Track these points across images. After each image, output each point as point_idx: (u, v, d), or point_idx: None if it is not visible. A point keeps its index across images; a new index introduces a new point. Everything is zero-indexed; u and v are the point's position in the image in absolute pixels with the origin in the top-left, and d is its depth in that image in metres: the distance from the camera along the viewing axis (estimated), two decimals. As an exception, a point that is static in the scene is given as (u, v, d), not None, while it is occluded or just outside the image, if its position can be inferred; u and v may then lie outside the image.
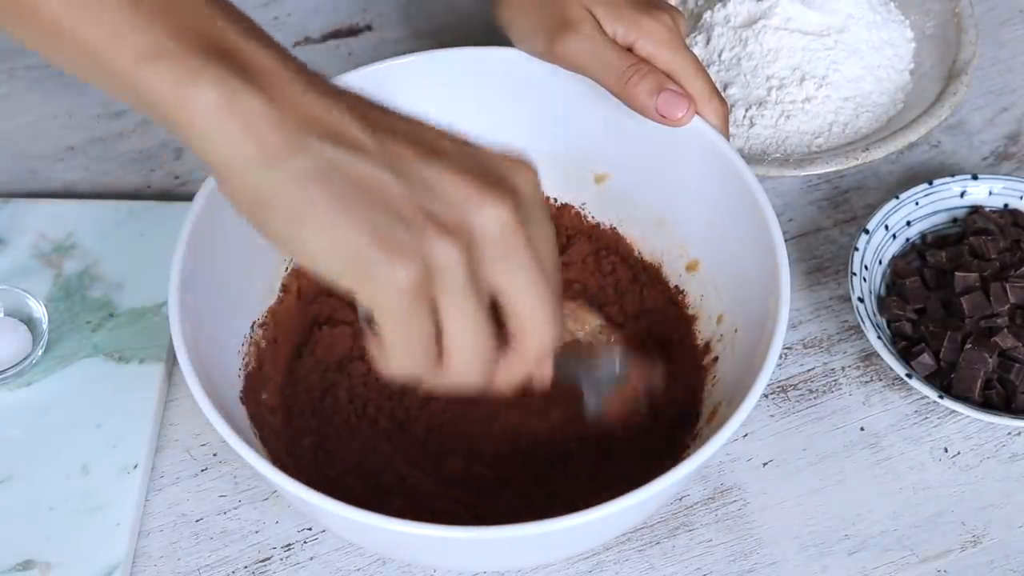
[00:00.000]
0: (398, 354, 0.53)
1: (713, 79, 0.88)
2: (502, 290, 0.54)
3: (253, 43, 0.52)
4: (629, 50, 0.72)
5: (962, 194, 0.85)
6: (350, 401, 0.74)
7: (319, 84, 0.53)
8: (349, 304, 0.76)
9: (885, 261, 0.82)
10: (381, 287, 0.51)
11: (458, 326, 0.53)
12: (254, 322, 0.74)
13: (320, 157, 0.51)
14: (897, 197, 0.83)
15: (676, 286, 0.78)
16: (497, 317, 0.55)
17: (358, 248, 0.51)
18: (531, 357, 0.56)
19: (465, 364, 0.54)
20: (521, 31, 0.75)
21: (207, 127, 0.51)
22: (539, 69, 0.75)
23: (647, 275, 0.79)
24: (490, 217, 0.53)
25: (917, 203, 0.84)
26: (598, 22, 0.73)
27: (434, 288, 0.52)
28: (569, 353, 0.67)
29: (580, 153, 0.79)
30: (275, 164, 0.51)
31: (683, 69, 0.72)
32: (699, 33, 0.90)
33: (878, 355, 0.77)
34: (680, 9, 0.78)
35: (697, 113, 0.72)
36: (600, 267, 0.80)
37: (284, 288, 0.76)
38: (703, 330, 0.76)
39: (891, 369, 0.77)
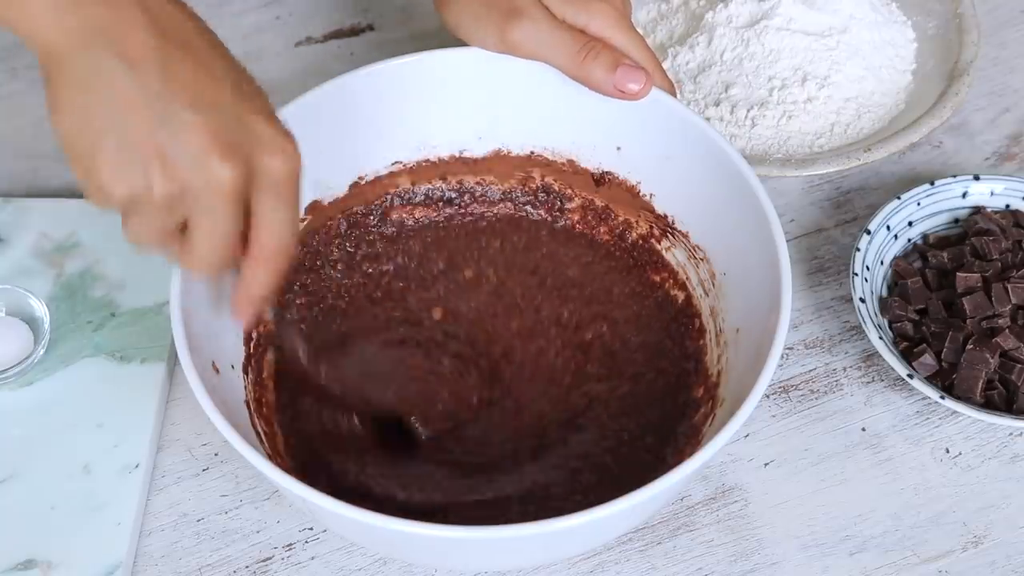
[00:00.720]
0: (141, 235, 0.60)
1: (715, 79, 0.88)
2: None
3: None
4: (580, 32, 0.73)
5: (964, 195, 0.84)
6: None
7: None
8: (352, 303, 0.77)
9: (887, 261, 0.82)
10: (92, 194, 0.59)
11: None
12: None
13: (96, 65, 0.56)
14: (899, 197, 0.83)
15: (677, 286, 0.78)
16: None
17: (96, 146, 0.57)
18: (267, 255, 0.60)
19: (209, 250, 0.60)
20: (470, 27, 0.75)
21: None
22: (538, 68, 0.75)
23: (648, 275, 0.79)
24: (212, 175, 0.57)
25: (919, 203, 0.84)
26: (546, 7, 0.73)
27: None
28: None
29: (581, 153, 0.79)
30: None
31: (634, 49, 0.73)
32: (701, 33, 0.90)
33: (879, 355, 0.77)
34: None
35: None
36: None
37: (285, 288, 0.76)
38: (704, 330, 0.76)
39: (893, 369, 0.77)
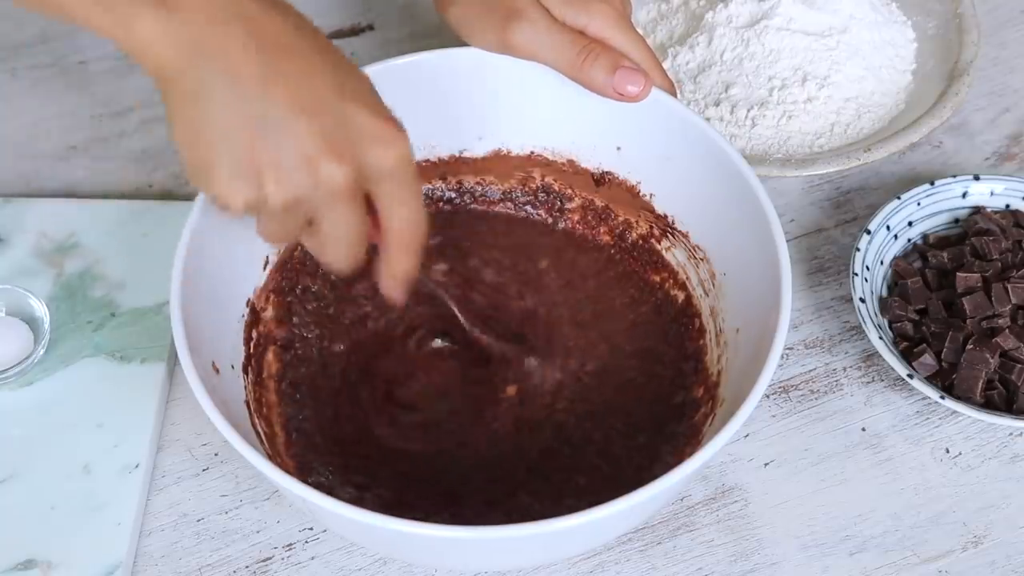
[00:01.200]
0: (277, 230, 0.62)
1: (715, 79, 0.88)
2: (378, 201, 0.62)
3: None
4: (580, 33, 0.73)
5: (964, 195, 0.84)
6: (352, 399, 0.74)
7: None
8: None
9: (887, 261, 0.82)
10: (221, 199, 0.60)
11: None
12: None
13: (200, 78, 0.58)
14: (899, 197, 0.83)
15: (677, 286, 0.78)
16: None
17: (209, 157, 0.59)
18: (402, 241, 0.63)
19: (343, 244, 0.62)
20: (471, 29, 0.75)
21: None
22: (538, 68, 0.75)
23: (648, 275, 0.79)
24: (322, 175, 0.59)
25: (919, 203, 0.84)
26: (546, 8, 0.73)
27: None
28: None
29: (581, 153, 0.79)
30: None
31: (634, 50, 0.73)
32: (701, 33, 0.90)
33: (879, 355, 0.77)
34: None
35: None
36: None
37: (286, 288, 0.76)
38: (704, 330, 0.76)
39: (893, 369, 0.77)
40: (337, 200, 0.59)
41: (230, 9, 0.58)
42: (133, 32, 0.57)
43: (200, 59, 0.57)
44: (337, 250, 0.62)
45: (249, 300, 0.73)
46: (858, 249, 0.80)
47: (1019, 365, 0.76)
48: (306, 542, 0.73)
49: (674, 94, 0.75)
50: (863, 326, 0.77)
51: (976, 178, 0.84)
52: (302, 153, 0.58)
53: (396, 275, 0.64)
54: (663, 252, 0.79)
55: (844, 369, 0.81)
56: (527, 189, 0.81)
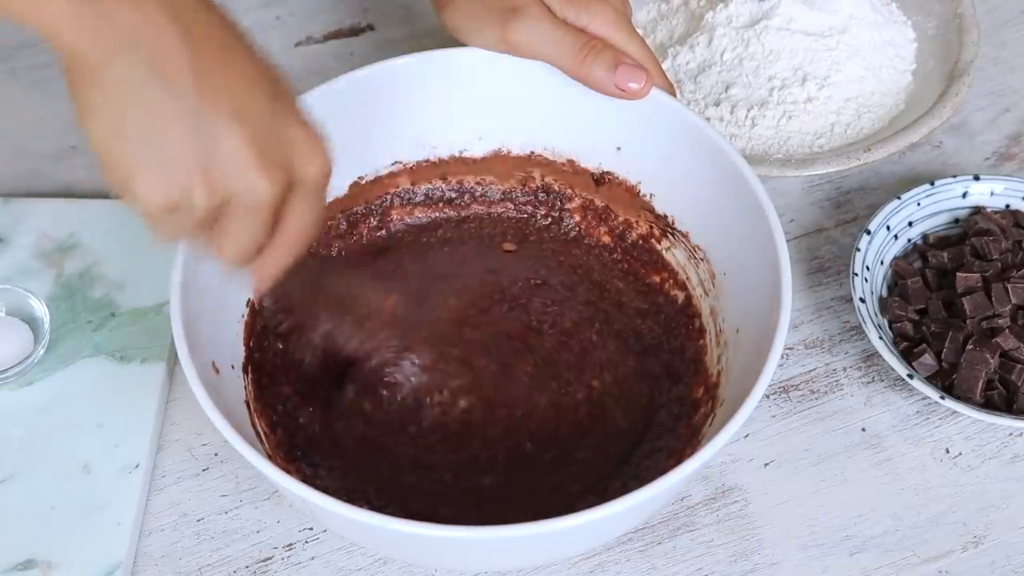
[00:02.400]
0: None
1: (715, 79, 0.88)
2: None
3: None
4: (581, 32, 0.73)
5: (964, 195, 0.84)
6: (353, 399, 0.74)
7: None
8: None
9: (887, 262, 0.82)
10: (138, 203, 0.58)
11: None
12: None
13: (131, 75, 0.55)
14: (899, 197, 0.83)
15: (677, 286, 0.78)
16: None
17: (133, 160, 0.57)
18: (291, 243, 0.61)
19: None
20: (470, 28, 0.75)
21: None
22: (538, 68, 0.75)
23: (648, 275, 0.79)
24: (253, 191, 0.57)
25: (919, 204, 0.84)
26: (547, 6, 0.73)
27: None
28: None
29: (581, 153, 0.79)
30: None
31: (634, 49, 0.73)
32: (701, 34, 0.90)
33: (879, 356, 0.77)
34: None
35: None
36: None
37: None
38: (704, 330, 0.76)
39: (893, 370, 0.77)
40: (261, 210, 0.58)
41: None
42: (47, 14, 0.55)
43: (126, 53, 0.55)
44: (238, 250, 0.60)
45: (249, 300, 0.73)
46: (858, 249, 0.80)
47: (1019, 365, 0.76)
48: (306, 542, 0.73)
49: (673, 94, 0.75)
50: (863, 326, 0.77)
51: (976, 178, 0.84)
52: (237, 160, 0.56)
53: (270, 266, 0.62)
54: (663, 252, 0.79)
55: (844, 369, 0.81)
56: (527, 189, 0.81)
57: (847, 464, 0.77)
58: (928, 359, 0.77)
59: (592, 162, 0.79)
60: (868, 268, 0.80)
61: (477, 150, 0.80)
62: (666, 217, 0.78)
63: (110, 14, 0.54)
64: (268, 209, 0.59)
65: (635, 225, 0.80)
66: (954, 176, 0.85)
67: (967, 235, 0.82)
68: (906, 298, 0.80)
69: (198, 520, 0.74)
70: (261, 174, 0.57)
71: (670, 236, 0.78)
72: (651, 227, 0.79)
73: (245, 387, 0.71)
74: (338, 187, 0.78)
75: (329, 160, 0.61)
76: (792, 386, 0.80)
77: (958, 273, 0.79)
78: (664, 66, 0.90)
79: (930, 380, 0.77)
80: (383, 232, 0.80)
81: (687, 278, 0.77)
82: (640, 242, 0.79)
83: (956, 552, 0.73)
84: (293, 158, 0.59)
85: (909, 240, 0.84)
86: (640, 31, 0.93)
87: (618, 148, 0.78)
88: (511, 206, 0.82)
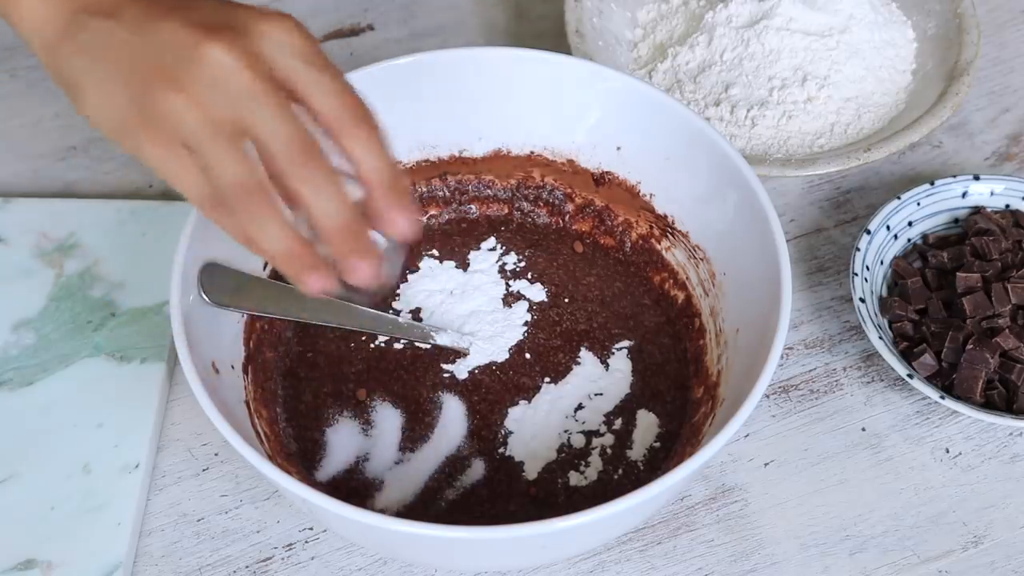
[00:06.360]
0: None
1: (715, 79, 0.88)
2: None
3: None
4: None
5: (964, 194, 0.84)
6: (353, 399, 0.74)
7: None
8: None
9: (887, 261, 0.82)
10: (144, 157, 0.55)
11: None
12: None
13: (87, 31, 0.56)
14: (899, 197, 0.83)
15: (677, 286, 0.78)
16: None
17: (124, 116, 0.55)
18: (351, 121, 0.57)
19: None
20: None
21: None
22: (539, 68, 0.75)
23: (648, 275, 0.79)
24: (210, 60, 0.54)
25: (919, 203, 0.84)
26: None
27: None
28: None
29: (581, 153, 0.79)
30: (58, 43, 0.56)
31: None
32: (701, 33, 0.90)
33: (879, 355, 0.77)
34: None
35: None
36: (601, 267, 0.80)
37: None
38: (704, 330, 0.76)
39: (892, 369, 0.77)
40: (243, 79, 0.53)
41: None
42: (20, 6, 0.57)
43: (80, 19, 0.55)
44: (282, 136, 0.54)
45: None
46: (858, 249, 0.80)
47: (1019, 365, 0.76)
48: (306, 542, 0.73)
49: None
50: (863, 326, 0.77)
51: (976, 178, 0.84)
52: (180, 42, 0.54)
53: (385, 174, 0.56)
54: (663, 252, 0.79)
55: (844, 369, 0.81)
56: (527, 189, 0.81)
57: (847, 464, 0.77)
58: (928, 359, 0.77)
59: (592, 162, 0.79)
60: (868, 268, 0.80)
61: (477, 150, 0.80)
62: (666, 217, 0.78)
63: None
64: (248, 76, 0.53)
65: (635, 225, 0.80)
66: (954, 176, 0.85)
67: (967, 235, 0.82)
68: (906, 298, 0.80)
69: (198, 520, 0.74)
70: (211, 40, 0.53)
71: (670, 236, 0.78)
72: (651, 227, 0.79)
73: (245, 387, 0.71)
74: (338, 187, 0.78)
75: (289, 15, 0.56)
76: (792, 386, 0.80)
77: (958, 273, 0.79)
78: (664, 66, 0.90)
79: (930, 380, 0.77)
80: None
81: (687, 278, 0.77)
82: (640, 242, 0.79)
83: (956, 552, 0.73)
84: (249, 22, 0.55)
85: (909, 240, 0.84)
86: (640, 31, 0.93)
87: (618, 148, 0.78)
88: (511, 206, 0.82)
